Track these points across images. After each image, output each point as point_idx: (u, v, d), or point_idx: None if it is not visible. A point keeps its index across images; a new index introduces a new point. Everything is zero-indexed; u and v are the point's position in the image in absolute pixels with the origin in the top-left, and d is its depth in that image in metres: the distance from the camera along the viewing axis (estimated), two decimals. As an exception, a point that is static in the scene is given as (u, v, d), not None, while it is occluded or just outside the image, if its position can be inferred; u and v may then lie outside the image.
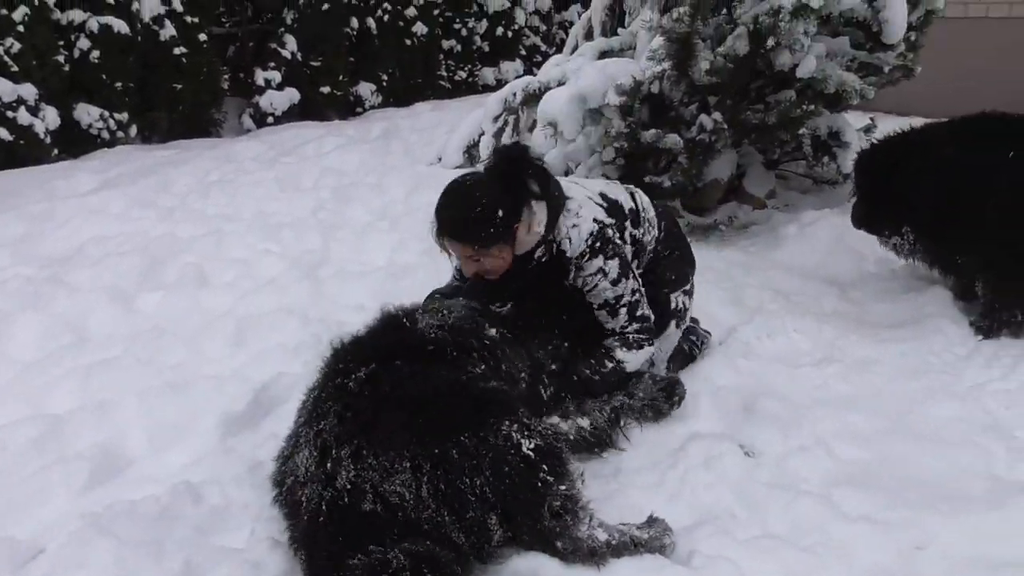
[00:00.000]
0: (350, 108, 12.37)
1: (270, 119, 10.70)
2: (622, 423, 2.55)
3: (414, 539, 1.85)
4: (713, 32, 4.31)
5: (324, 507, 1.89)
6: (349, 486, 1.89)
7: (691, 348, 3.12)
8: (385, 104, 12.80)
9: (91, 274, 4.41)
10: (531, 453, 2.00)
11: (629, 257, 2.68)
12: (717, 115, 4.39)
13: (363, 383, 2.10)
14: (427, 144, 8.59)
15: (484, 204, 2.44)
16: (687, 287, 3.03)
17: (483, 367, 2.28)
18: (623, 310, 2.61)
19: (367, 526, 1.86)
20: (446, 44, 14.16)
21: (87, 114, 8.19)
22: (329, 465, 1.94)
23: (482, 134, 6.70)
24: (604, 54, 5.50)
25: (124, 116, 8.65)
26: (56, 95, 7.76)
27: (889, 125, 4.00)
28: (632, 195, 2.91)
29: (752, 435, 2.55)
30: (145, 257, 4.69)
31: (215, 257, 4.80)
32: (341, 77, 11.48)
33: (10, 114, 7.11)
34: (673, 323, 2.95)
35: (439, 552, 1.82)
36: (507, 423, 2.03)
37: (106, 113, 8.34)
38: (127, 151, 8.77)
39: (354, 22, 11.80)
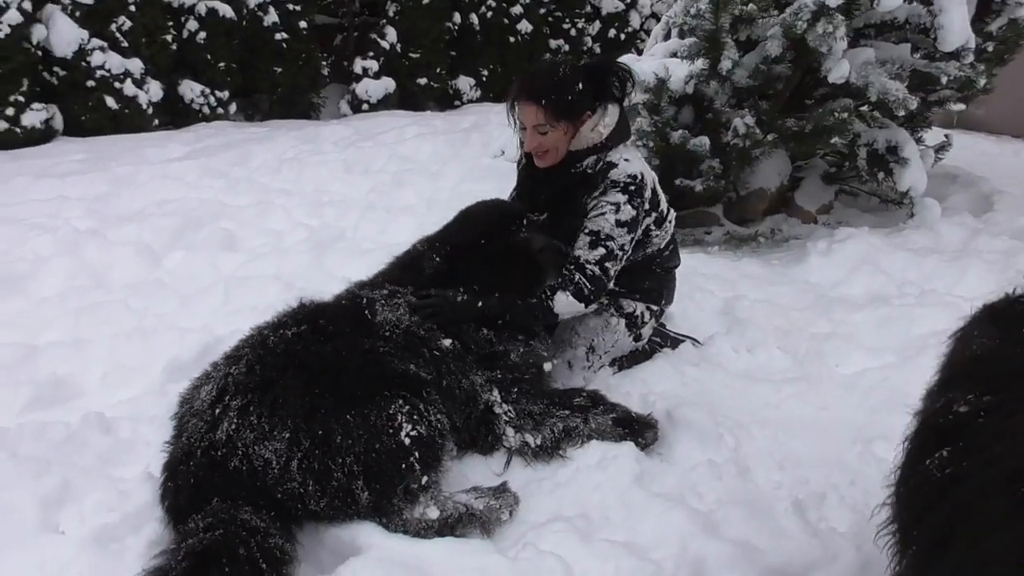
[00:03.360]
0: (448, 101, 12.75)
1: (365, 106, 11.21)
2: (563, 449, 2.39)
3: (259, 508, 1.88)
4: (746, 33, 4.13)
5: (198, 449, 1.98)
6: (225, 437, 1.96)
7: (652, 348, 3.02)
8: (484, 99, 13.09)
9: (135, 231, 4.81)
10: (408, 440, 2.02)
11: (641, 227, 2.69)
12: (749, 119, 4.19)
13: (283, 341, 2.18)
14: (509, 138, 8.68)
15: (568, 75, 2.60)
16: (654, 307, 2.97)
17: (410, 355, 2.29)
18: (600, 250, 2.57)
19: (226, 481, 1.92)
20: (553, 43, 14.28)
21: (190, 90, 8.91)
22: (218, 410, 2.02)
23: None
24: (674, 55, 5.39)
25: (225, 94, 9.33)
26: (163, 71, 8.51)
27: (969, 144, 3.69)
28: (670, 206, 2.96)
29: (668, 444, 2.44)
30: (189, 220, 5.06)
31: (251, 225, 5.10)
32: (439, 70, 11.84)
33: (117, 85, 7.87)
34: (622, 321, 2.87)
35: (272, 531, 1.84)
36: (398, 404, 2.06)
37: (207, 90, 9.04)
38: (222, 126, 9.46)
39: (457, 17, 12.14)
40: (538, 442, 2.36)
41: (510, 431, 2.38)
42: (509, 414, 2.40)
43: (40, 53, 7.45)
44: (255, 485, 1.92)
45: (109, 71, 7.77)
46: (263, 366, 2.08)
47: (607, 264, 2.59)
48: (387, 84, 11.17)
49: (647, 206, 2.70)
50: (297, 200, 5.90)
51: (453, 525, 1.95)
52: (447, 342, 2.41)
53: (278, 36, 9.64)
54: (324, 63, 10.64)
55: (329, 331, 2.21)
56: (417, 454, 2.02)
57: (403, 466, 1.99)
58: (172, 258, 4.38)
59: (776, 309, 3.49)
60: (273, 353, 2.13)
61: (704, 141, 4.27)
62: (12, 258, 4.23)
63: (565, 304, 2.57)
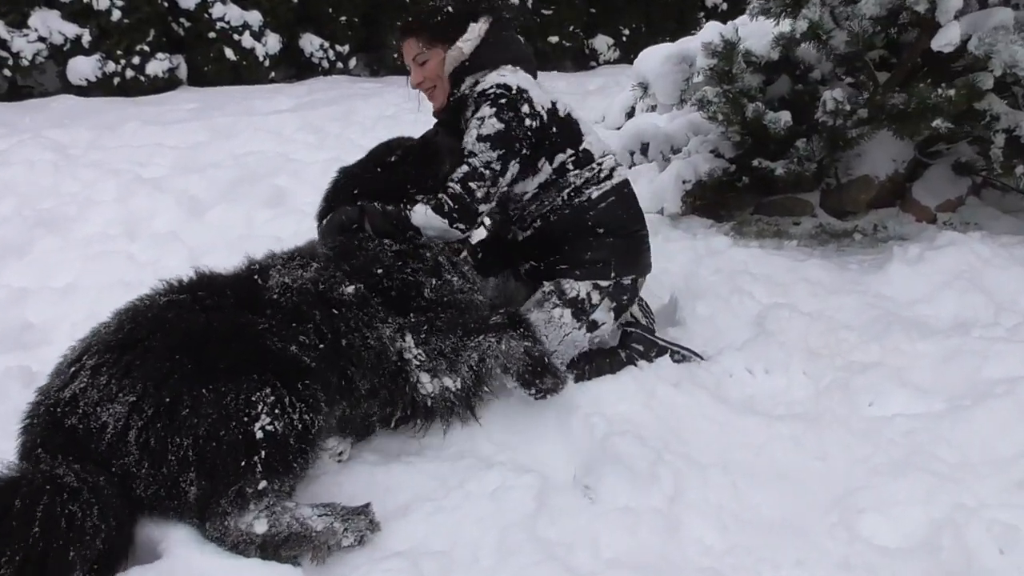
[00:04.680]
0: (584, 61, 12.33)
1: (490, 65, 11.09)
2: (487, 386, 2.30)
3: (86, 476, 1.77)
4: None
5: (42, 405, 1.91)
6: (69, 395, 1.88)
7: (629, 357, 2.63)
8: (623, 60, 12.51)
9: (195, 182, 4.97)
10: (260, 434, 1.84)
11: (520, 147, 2.45)
12: (838, 92, 3.56)
13: (164, 304, 2.09)
14: (622, 104, 8.23)
15: (442, 2, 2.61)
16: (603, 283, 2.56)
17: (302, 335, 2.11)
18: (463, 167, 2.42)
19: (63, 441, 1.84)
20: (710, 1, 13.36)
21: (310, 43, 9.20)
22: (74, 368, 1.94)
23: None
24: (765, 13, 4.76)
25: (345, 48, 9.55)
26: (284, 24, 8.82)
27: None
28: (613, 156, 2.70)
29: (597, 477, 2.09)
30: (249, 173, 5.17)
31: (310, 183, 5.11)
32: (572, 28, 11.44)
33: (236, 37, 8.26)
34: (567, 311, 2.53)
35: (87, 500, 1.71)
36: (264, 392, 1.89)
37: (327, 44, 9.28)
38: (337, 80, 9.71)
39: (596, -29, 11.65)
40: (457, 385, 2.23)
41: (424, 377, 2.23)
42: (420, 358, 2.24)
43: (166, 4, 7.94)
44: (89, 450, 1.82)
45: (229, 23, 8.16)
46: (133, 327, 1.99)
47: (471, 184, 2.41)
48: (514, 42, 10.95)
49: (532, 124, 2.45)
50: (372, 159, 5.87)
51: (279, 545, 1.75)
52: (350, 288, 2.24)
53: (401, -10, 9.70)
54: (450, 19, 10.56)
55: (206, 302, 2.07)
56: (264, 453, 1.83)
57: (243, 463, 1.81)
58: (214, 211, 4.49)
59: (822, 324, 2.94)
60: (144, 317, 2.02)
61: (781, 117, 3.69)
62: (68, 200, 4.52)
63: (422, 216, 2.40)
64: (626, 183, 2.71)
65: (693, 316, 3.07)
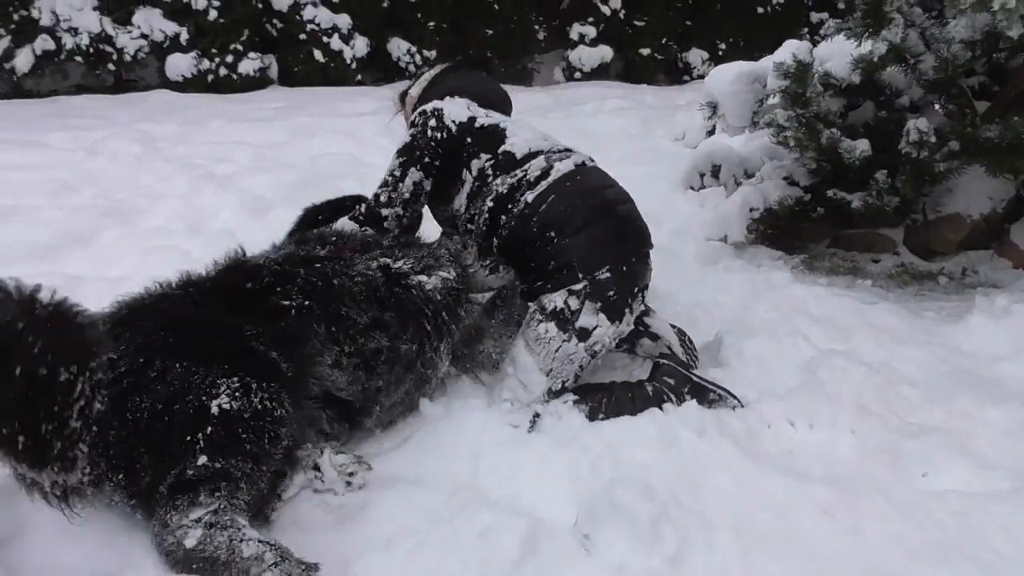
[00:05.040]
0: (677, 75, 12.05)
1: (578, 74, 10.97)
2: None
3: None
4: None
5: None
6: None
7: (657, 392, 2.47)
8: (718, 76, 12.18)
9: (264, 181, 5.09)
10: (216, 409, 1.81)
11: (422, 155, 2.67)
12: (922, 122, 3.28)
13: (159, 296, 2.15)
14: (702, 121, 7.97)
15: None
16: (576, 287, 2.43)
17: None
18: (384, 174, 2.73)
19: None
20: (815, 16, 12.82)
21: (397, 47, 9.35)
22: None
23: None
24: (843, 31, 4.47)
25: (432, 53, 9.65)
26: (372, 27, 9.00)
27: None
28: (551, 154, 2.66)
29: (599, 527, 1.96)
30: (315, 176, 5.25)
31: (374, 187, 5.16)
32: (665, 40, 11.19)
33: (325, 39, 8.47)
34: (551, 323, 2.42)
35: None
36: (231, 380, 1.87)
37: (414, 48, 9.40)
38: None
39: (694, -18, 11.37)
40: (452, 274, 2.49)
41: (422, 278, 2.43)
42: (407, 264, 2.47)
43: (261, 5, 8.23)
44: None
45: (319, 25, 8.38)
46: (128, 311, 2.05)
47: (378, 191, 2.72)
48: (603, 53, 10.80)
49: (437, 135, 2.66)
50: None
51: (190, 565, 1.67)
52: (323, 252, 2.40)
53: (490, -3, 9.74)
54: (539, 27, 10.52)
55: (196, 298, 2.10)
56: (210, 430, 1.78)
57: (187, 438, 1.76)
58: (275, 212, 4.56)
59: (882, 378, 2.70)
60: (140, 304, 2.09)
61: (858, 146, 3.43)
62: (141, 193, 4.70)
63: (342, 223, 2.73)
64: (569, 176, 2.58)
65: (739, 356, 2.88)
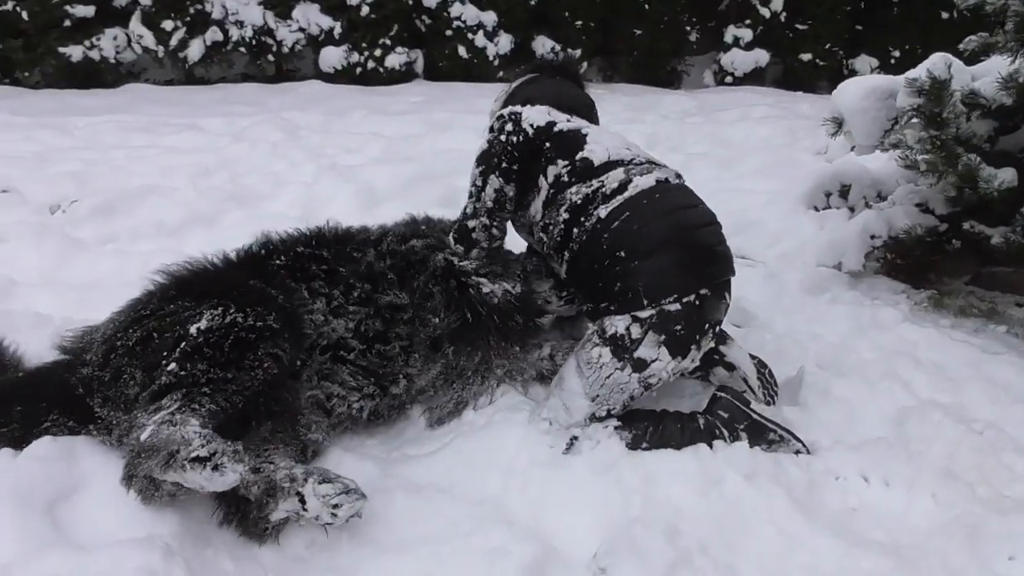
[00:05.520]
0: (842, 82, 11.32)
1: (729, 79, 10.56)
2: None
3: None
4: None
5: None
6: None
7: (709, 426, 2.33)
8: (890, 85, 11.29)
9: (380, 174, 5.28)
10: (193, 330, 1.99)
11: (499, 161, 2.53)
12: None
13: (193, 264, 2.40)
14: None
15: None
16: (642, 315, 2.27)
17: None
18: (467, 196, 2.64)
19: None
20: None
21: (542, 45, 9.40)
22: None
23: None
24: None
25: (577, 52, 9.63)
26: (518, 24, 9.10)
27: None
28: (632, 166, 2.50)
29: (615, 564, 1.88)
30: (430, 171, 5.38)
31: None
32: (829, 46, 10.52)
33: (470, 36, 8.67)
34: (605, 349, 2.30)
35: None
36: (214, 307, 2.05)
37: (559, 47, 9.43)
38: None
39: (868, -16, 10.59)
40: (518, 290, 2.63)
41: (483, 280, 2.58)
42: (472, 265, 2.62)
43: (411, 2, 8.56)
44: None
45: (464, 22, 8.60)
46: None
47: (464, 205, 2.62)
48: (758, 57, 10.32)
49: (514, 139, 2.53)
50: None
51: (140, 454, 1.79)
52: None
53: (641, -4, 9.57)
54: (691, 28, 10.21)
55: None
56: (183, 344, 1.95)
57: (165, 354, 1.95)
58: (386, 206, 4.73)
59: (983, 440, 2.40)
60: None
61: (1001, 175, 3.06)
62: (269, 178, 5.03)
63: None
64: (648, 192, 2.39)
65: (822, 397, 2.67)
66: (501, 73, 9.21)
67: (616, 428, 2.28)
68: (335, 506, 1.87)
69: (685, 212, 2.45)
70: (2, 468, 1.99)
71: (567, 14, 9.33)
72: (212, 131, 6.55)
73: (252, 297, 2.13)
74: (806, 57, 10.52)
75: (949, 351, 2.95)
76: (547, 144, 2.56)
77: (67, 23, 7.99)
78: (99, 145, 6.03)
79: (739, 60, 10.34)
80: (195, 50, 8.34)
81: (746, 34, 10.32)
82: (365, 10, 8.26)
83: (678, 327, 2.28)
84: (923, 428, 2.44)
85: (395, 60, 8.50)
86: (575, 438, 2.27)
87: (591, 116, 2.89)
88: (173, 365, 1.91)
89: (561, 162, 2.52)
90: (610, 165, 2.48)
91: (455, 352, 2.48)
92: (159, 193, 4.54)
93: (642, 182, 2.44)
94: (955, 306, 3.61)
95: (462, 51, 8.69)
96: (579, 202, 2.45)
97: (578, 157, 2.51)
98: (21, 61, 8.40)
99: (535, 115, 2.60)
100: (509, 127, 2.57)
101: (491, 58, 8.89)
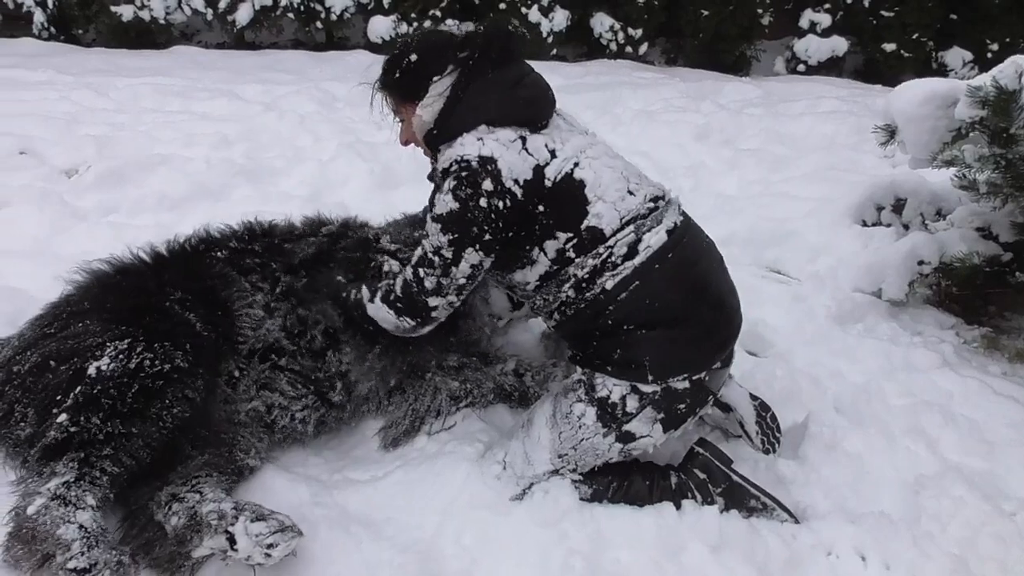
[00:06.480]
0: (930, 76, 10.56)
1: (801, 67, 9.96)
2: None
3: None
4: None
5: None
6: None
7: (681, 487, 2.06)
8: (983, 81, 10.47)
9: (401, 154, 5.06)
10: (93, 371, 1.84)
11: (480, 232, 2.01)
12: None
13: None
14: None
15: (402, 47, 2.19)
16: (644, 388, 1.99)
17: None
18: (417, 252, 2.11)
19: None
20: None
21: (600, 23, 9.01)
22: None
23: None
24: None
25: (638, 32, 9.21)
26: (576, 1, 8.72)
27: None
28: (640, 220, 2.06)
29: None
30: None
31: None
32: (917, 36, 9.78)
33: (524, 10, 8.35)
34: (591, 410, 2.03)
35: None
36: (120, 341, 1.90)
37: (618, 26, 9.02)
38: (618, 65, 9.35)
39: (966, -32, 9.77)
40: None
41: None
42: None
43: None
44: None
45: (516, -6, 8.29)
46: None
47: (420, 270, 2.09)
48: (835, 45, 9.67)
49: (498, 204, 1.97)
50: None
51: (19, 531, 1.66)
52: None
53: (712, -26, 9.04)
54: (764, 11, 9.62)
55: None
56: (79, 389, 1.81)
57: (57, 397, 1.82)
58: (403, 189, 4.55)
59: (1016, 526, 2.07)
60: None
61: (1072, 203, 2.66)
62: (289, 154, 4.89)
63: (375, 307, 2.19)
64: (659, 254, 2.03)
65: (828, 451, 2.36)
66: (555, 51, 8.88)
67: (574, 481, 2.03)
68: (269, 546, 1.72)
69: (697, 269, 2.11)
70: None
71: (631, -9, 8.91)
72: (246, 98, 6.46)
73: (164, 325, 1.97)
74: (890, 47, 9.82)
75: (990, 407, 2.59)
76: (540, 208, 2.03)
77: (119, -19, 8.03)
78: (132, 108, 6.00)
79: (814, 47, 9.71)
80: (243, 14, 8.26)
81: (824, 19, 9.66)
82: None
83: (681, 405, 2.03)
84: (941, 502, 2.12)
85: (445, 33, 8.30)
86: (529, 487, 2.03)
87: (553, 107, 2.22)
88: (64, 417, 1.77)
89: (563, 235, 2.04)
90: (620, 228, 2.05)
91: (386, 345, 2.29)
92: (171, 163, 4.45)
93: (653, 240, 2.06)
94: (1012, 349, 3.22)
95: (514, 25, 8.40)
96: (586, 276, 2.05)
97: (584, 227, 2.03)
98: (76, 18, 8.49)
99: (516, 163, 2.00)
100: (488, 185, 1.97)
101: (544, 34, 8.56)
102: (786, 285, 3.60)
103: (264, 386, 2.17)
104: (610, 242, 2.02)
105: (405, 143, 2.29)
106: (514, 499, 2.00)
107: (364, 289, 2.23)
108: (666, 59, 10.38)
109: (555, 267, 2.05)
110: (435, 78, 2.07)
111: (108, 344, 1.86)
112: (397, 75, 2.14)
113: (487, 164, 1.96)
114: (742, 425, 2.38)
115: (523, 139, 2.03)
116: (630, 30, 9.15)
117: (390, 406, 2.33)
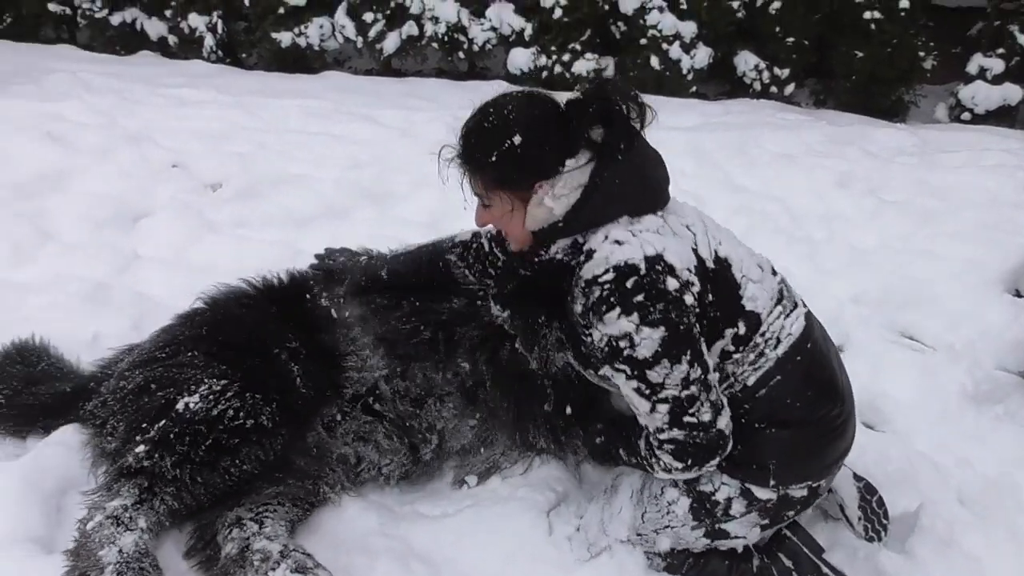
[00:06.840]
0: (1119, 132, 9.53)
1: (966, 115, 9.23)
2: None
3: None
4: None
5: None
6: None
7: (763, 572, 1.90)
8: None
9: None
10: (181, 407, 1.92)
11: (698, 333, 1.73)
12: None
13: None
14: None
15: (502, 121, 1.78)
16: (760, 495, 1.84)
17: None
18: (663, 406, 1.72)
19: None
20: None
21: (744, 62, 8.76)
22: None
23: None
24: None
25: (784, 72, 8.89)
26: (720, 38, 8.54)
27: None
28: (779, 303, 1.87)
29: None
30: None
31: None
32: (1107, 85, 8.86)
33: (664, 46, 8.25)
34: (685, 500, 1.90)
35: None
36: (215, 380, 1.96)
37: (763, 65, 8.73)
38: (760, 105, 8.98)
39: None
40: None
41: None
42: None
43: (607, 7, 8.31)
44: None
45: (660, 31, 8.21)
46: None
47: (686, 418, 1.72)
48: (1007, 93, 8.90)
49: (690, 298, 1.71)
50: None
51: (80, 542, 1.74)
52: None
53: (867, 15, 8.57)
54: (927, 54, 9.02)
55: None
56: (163, 423, 1.87)
57: (143, 424, 1.90)
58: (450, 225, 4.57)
59: None
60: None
61: None
62: (413, 179, 5.02)
63: (666, 477, 1.88)
64: (799, 344, 1.84)
65: (941, 548, 2.14)
66: (694, 88, 8.70)
67: (647, 552, 1.92)
68: None
69: (830, 365, 1.94)
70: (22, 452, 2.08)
71: (778, 28, 8.60)
72: (383, 123, 6.73)
73: (263, 374, 2.02)
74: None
75: None
76: (709, 297, 1.78)
77: (281, 10, 8.61)
78: (277, 128, 6.40)
79: (982, 95, 8.97)
80: (391, 42, 8.66)
81: (996, 65, 8.92)
82: (558, 12, 8.15)
83: (790, 512, 1.90)
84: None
85: (583, 66, 8.30)
86: (602, 551, 1.94)
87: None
88: (142, 449, 1.86)
89: (730, 332, 1.81)
90: (770, 312, 1.85)
91: (491, 408, 2.24)
92: (302, 182, 4.70)
93: (793, 327, 1.86)
94: None
95: (655, 62, 8.29)
96: (736, 371, 1.84)
97: (741, 318, 1.81)
98: (242, 43, 9.21)
99: (680, 250, 1.74)
100: (674, 284, 1.70)
101: (685, 72, 8.41)
102: (918, 353, 3.30)
103: (361, 437, 2.18)
104: (763, 328, 1.82)
105: (483, 225, 2.01)
106: (580, 561, 1.92)
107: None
108: (814, 101, 9.94)
109: (718, 368, 1.83)
110: (566, 164, 1.75)
111: (205, 381, 1.94)
112: (495, 159, 1.79)
113: (656, 263, 1.69)
114: (842, 509, 2.18)
115: (665, 221, 1.79)
116: (776, 69, 8.83)
117: (476, 459, 2.30)
